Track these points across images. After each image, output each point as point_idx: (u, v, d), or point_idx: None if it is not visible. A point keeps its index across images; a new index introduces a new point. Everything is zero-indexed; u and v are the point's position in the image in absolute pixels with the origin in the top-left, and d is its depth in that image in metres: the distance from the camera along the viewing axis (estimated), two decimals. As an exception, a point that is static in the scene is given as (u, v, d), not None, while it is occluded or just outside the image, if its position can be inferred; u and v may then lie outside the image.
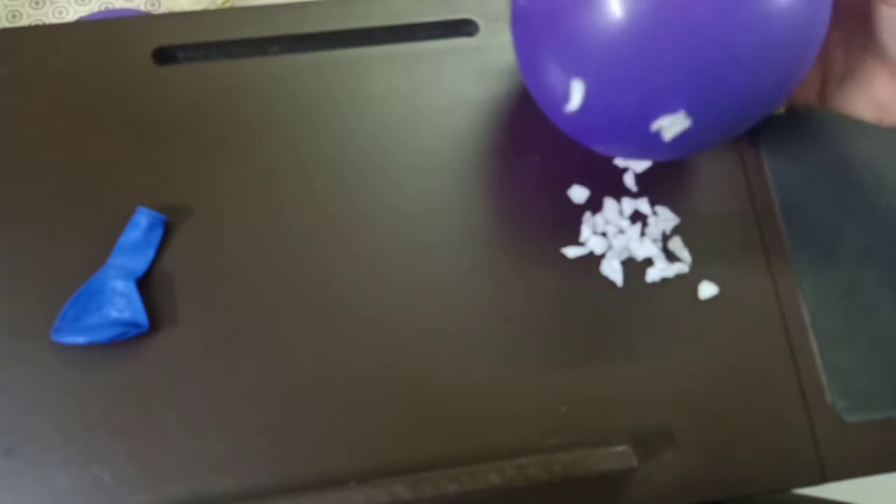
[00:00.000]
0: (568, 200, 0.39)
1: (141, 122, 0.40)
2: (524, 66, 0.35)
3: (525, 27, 0.33)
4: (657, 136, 0.31)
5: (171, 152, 0.39)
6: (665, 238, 0.39)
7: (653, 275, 0.38)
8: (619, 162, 0.40)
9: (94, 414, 0.34)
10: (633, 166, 0.40)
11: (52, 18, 1.25)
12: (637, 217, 0.39)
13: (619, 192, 0.40)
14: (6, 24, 1.24)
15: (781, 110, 0.41)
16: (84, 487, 0.33)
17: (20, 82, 0.40)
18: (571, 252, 0.38)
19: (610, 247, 0.38)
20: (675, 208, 0.40)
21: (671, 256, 0.39)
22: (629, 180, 0.40)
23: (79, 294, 0.35)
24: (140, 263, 0.36)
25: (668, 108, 0.30)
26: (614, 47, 0.29)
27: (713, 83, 0.29)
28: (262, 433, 0.34)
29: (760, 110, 0.32)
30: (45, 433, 0.34)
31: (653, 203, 0.40)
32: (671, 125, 0.30)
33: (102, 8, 1.27)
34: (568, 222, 0.39)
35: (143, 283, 0.36)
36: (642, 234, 0.39)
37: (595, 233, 0.39)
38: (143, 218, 0.36)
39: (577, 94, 0.31)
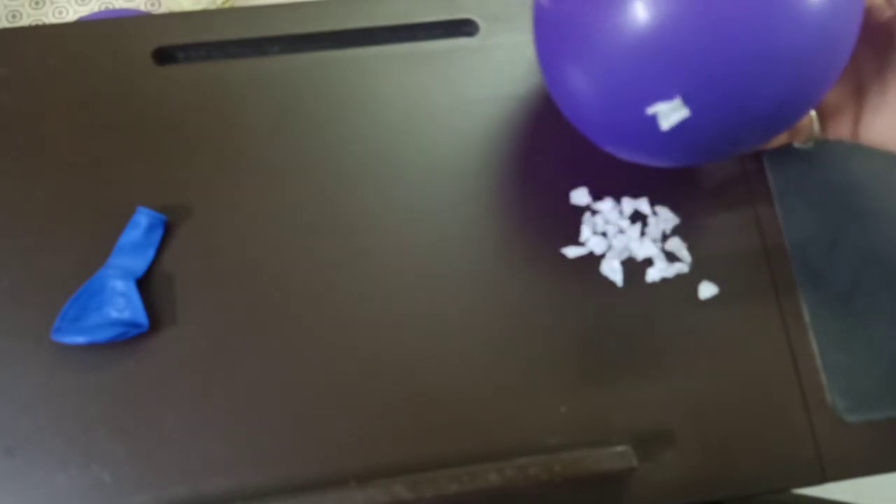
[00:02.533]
0: (568, 200, 0.39)
1: (141, 122, 0.40)
2: (546, 67, 0.35)
3: (547, 30, 0.33)
4: (672, 139, 0.31)
5: (171, 152, 0.39)
6: (665, 238, 0.39)
7: (653, 275, 0.38)
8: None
9: (94, 414, 0.34)
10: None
11: (52, 18, 1.25)
12: (637, 217, 0.39)
13: (620, 192, 0.40)
14: (6, 24, 1.24)
15: (811, 144, 0.40)
16: (84, 487, 0.33)
17: (20, 82, 0.40)
18: (571, 252, 0.38)
19: (610, 247, 0.38)
20: (675, 208, 0.40)
21: (671, 256, 0.39)
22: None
23: (79, 294, 0.35)
24: (140, 263, 0.36)
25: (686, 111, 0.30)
26: (637, 49, 0.29)
27: (730, 89, 0.29)
28: (262, 433, 0.34)
29: (774, 123, 0.31)
30: (45, 433, 0.34)
31: (653, 203, 0.40)
32: (668, 112, 0.30)
33: (102, 8, 1.27)
34: (568, 222, 0.39)
35: (143, 283, 0.36)
36: (642, 234, 0.39)
37: (595, 233, 0.39)
38: (143, 218, 0.36)
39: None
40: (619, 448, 0.34)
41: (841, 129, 0.36)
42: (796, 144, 0.39)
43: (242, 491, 0.33)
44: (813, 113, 0.37)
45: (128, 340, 0.35)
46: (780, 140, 0.38)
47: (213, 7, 1.21)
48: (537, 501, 0.35)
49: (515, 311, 0.37)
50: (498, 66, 0.42)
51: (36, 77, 0.40)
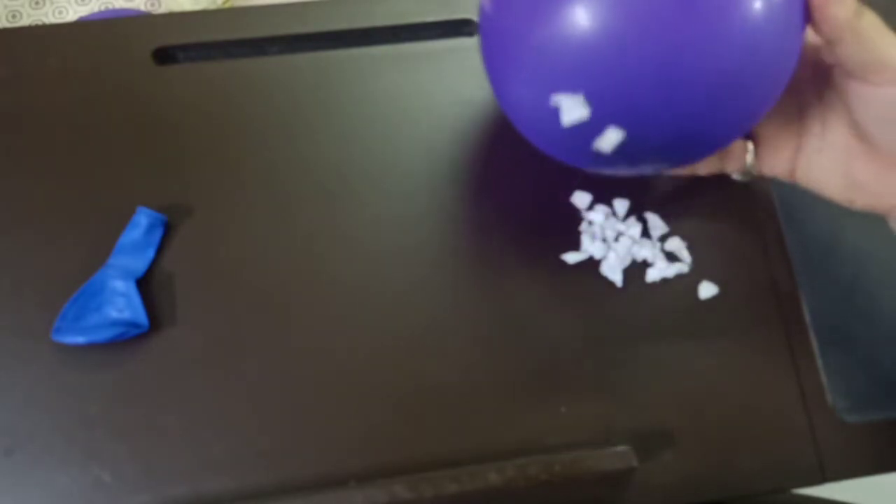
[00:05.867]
0: (568, 201, 0.39)
1: (141, 122, 0.40)
2: (494, 81, 0.34)
3: (493, 40, 0.32)
4: (617, 152, 0.31)
5: (171, 152, 0.39)
6: (664, 238, 0.39)
7: (653, 275, 0.38)
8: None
9: (94, 414, 0.34)
10: None
11: (52, 18, 1.25)
12: (637, 218, 0.39)
13: (620, 193, 0.40)
14: (6, 24, 1.24)
15: (747, 178, 0.38)
16: (84, 487, 0.33)
17: (20, 82, 0.40)
18: (571, 258, 0.38)
19: (610, 250, 0.38)
20: (674, 209, 0.40)
21: (671, 256, 0.39)
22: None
23: (79, 294, 0.35)
24: (140, 263, 0.36)
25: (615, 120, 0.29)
26: (579, 59, 0.28)
27: (645, 99, 0.28)
28: (261, 433, 0.34)
29: (712, 137, 0.31)
30: (45, 433, 0.34)
31: (651, 205, 0.40)
32: (570, 107, 0.29)
33: (102, 8, 1.27)
34: (569, 223, 0.39)
35: (143, 283, 0.36)
36: (642, 234, 0.39)
37: (595, 239, 0.39)
38: (143, 218, 0.36)
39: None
40: (619, 448, 0.34)
41: (777, 166, 0.35)
42: (733, 175, 0.38)
43: (242, 491, 0.33)
44: (749, 145, 0.36)
45: (128, 340, 0.35)
46: (710, 165, 0.37)
47: (213, 7, 1.21)
48: (537, 501, 0.35)
49: (515, 311, 0.37)
50: (498, 66, 0.42)
51: (36, 77, 0.40)
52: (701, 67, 0.27)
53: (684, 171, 0.38)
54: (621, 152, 0.31)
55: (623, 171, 0.35)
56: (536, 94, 0.30)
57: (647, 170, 0.34)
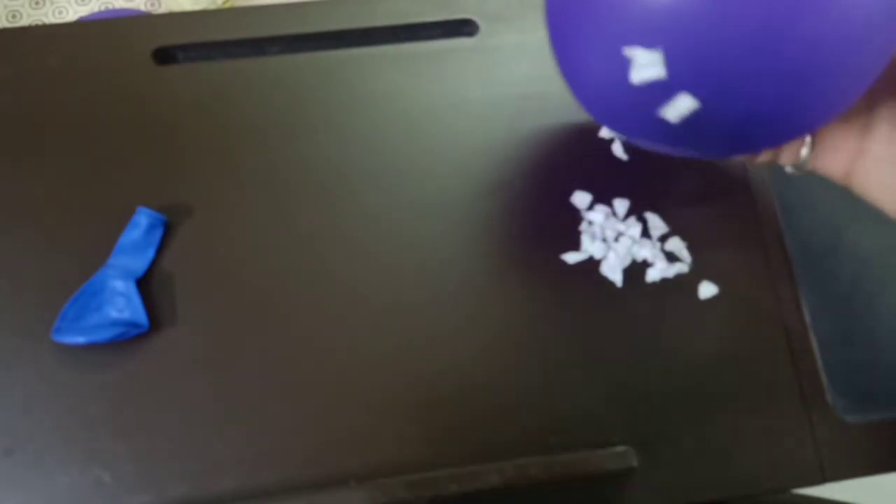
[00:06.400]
0: (568, 201, 0.39)
1: (141, 122, 0.40)
2: (557, 37, 0.31)
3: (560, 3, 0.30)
4: (684, 125, 0.28)
5: (171, 152, 0.39)
6: (664, 238, 0.39)
7: (653, 275, 0.38)
8: (605, 133, 0.40)
9: (95, 414, 0.34)
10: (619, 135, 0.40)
11: (52, 18, 1.25)
12: (637, 218, 0.39)
13: (621, 193, 0.40)
14: (6, 24, 1.24)
15: (800, 172, 0.35)
16: (84, 487, 0.33)
17: (20, 82, 0.40)
18: (571, 258, 0.38)
19: (610, 250, 0.38)
20: (675, 209, 0.40)
21: (671, 256, 0.39)
22: (617, 150, 0.40)
23: (79, 294, 0.35)
24: (140, 263, 0.36)
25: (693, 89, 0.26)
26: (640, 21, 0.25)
27: (741, 73, 0.25)
28: (261, 433, 0.34)
29: (794, 122, 0.28)
30: (45, 433, 0.34)
31: (651, 205, 0.40)
32: (644, 64, 0.26)
33: (102, 8, 1.27)
34: (569, 223, 0.39)
35: (143, 283, 0.36)
36: (642, 234, 0.39)
37: (595, 239, 0.39)
38: (143, 218, 0.36)
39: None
40: (619, 448, 0.34)
41: (833, 166, 0.32)
42: (786, 168, 0.35)
43: (242, 491, 0.33)
44: (808, 137, 0.34)
45: (128, 340, 0.35)
46: (764, 154, 0.35)
47: (213, 7, 1.21)
48: (537, 501, 0.35)
49: (515, 311, 0.37)
50: (498, 66, 0.42)
51: (36, 77, 0.40)
52: (806, 35, 0.24)
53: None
54: (687, 126, 0.27)
55: (676, 150, 0.32)
56: (605, 50, 0.27)
57: (702, 152, 0.31)
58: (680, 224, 0.39)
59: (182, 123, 0.40)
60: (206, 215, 0.38)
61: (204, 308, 0.36)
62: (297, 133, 0.40)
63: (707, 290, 0.38)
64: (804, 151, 0.33)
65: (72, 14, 1.25)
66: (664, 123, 0.27)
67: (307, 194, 0.39)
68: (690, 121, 0.27)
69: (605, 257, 0.38)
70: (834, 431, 0.36)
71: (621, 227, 0.39)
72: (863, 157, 0.31)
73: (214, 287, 0.37)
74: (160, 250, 0.37)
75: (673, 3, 0.24)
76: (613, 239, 0.38)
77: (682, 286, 0.38)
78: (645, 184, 0.40)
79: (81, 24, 0.43)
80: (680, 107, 0.26)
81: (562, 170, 0.40)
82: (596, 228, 0.39)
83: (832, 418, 0.36)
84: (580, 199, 0.39)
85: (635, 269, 0.38)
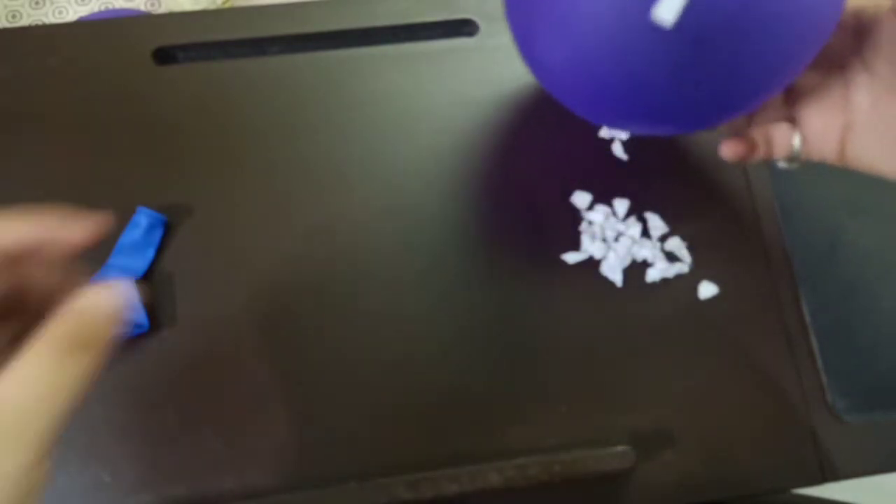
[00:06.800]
0: (568, 201, 0.39)
1: (141, 122, 0.40)
2: (521, 30, 0.32)
3: None
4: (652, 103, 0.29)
5: (171, 152, 0.39)
6: (664, 238, 0.39)
7: (653, 275, 0.38)
8: (605, 133, 0.41)
9: (95, 414, 0.34)
10: (619, 135, 0.40)
11: (52, 18, 1.25)
12: (637, 218, 0.39)
13: (621, 193, 0.40)
14: (6, 24, 1.24)
15: (794, 165, 0.35)
16: (84, 487, 0.33)
17: (20, 82, 0.40)
18: (571, 258, 0.38)
19: (610, 250, 0.38)
20: (674, 209, 0.40)
21: (671, 256, 0.39)
22: (617, 150, 0.40)
23: (79, 294, 0.35)
24: (140, 263, 0.36)
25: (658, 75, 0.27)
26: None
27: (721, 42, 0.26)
28: (262, 433, 0.34)
29: (760, 80, 0.28)
30: (45, 433, 0.34)
31: (651, 205, 0.40)
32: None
33: (102, 8, 1.27)
34: (569, 223, 0.39)
35: (143, 284, 0.36)
36: (642, 234, 0.39)
37: (595, 239, 0.39)
38: (143, 218, 0.36)
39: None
40: (619, 448, 0.34)
41: (826, 149, 0.32)
42: (780, 164, 0.35)
43: (242, 491, 0.33)
44: (797, 133, 0.34)
45: (128, 340, 0.35)
46: (759, 152, 0.34)
47: (213, 7, 1.21)
48: (537, 501, 0.35)
49: (515, 311, 0.37)
50: (498, 66, 0.42)
51: (36, 77, 0.40)
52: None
53: (735, 154, 0.34)
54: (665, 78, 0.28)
55: (646, 127, 0.32)
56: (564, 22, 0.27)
57: (675, 125, 0.31)
58: (680, 224, 0.39)
59: (182, 123, 0.40)
60: (206, 215, 0.38)
61: (204, 308, 0.36)
62: (297, 133, 0.40)
63: (707, 290, 0.38)
64: (795, 143, 0.33)
65: (72, 14, 1.25)
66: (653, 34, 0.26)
67: (307, 194, 0.39)
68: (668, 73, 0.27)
69: (605, 257, 0.38)
70: (834, 431, 0.36)
71: (621, 227, 0.39)
72: (851, 132, 0.31)
73: (215, 287, 0.37)
74: (160, 250, 0.37)
75: None
76: (613, 239, 0.38)
77: (682, 286, 0.38)
78: (645, 184, 0.40)
79: (81, 24, 0.43)
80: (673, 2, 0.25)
81: (562, 170, 0.40)
82: (596, 228, 0.39)
83: (832, 418, 0.36)
84: (580, 199, 0.39)
85: (635, 269, 0.38)
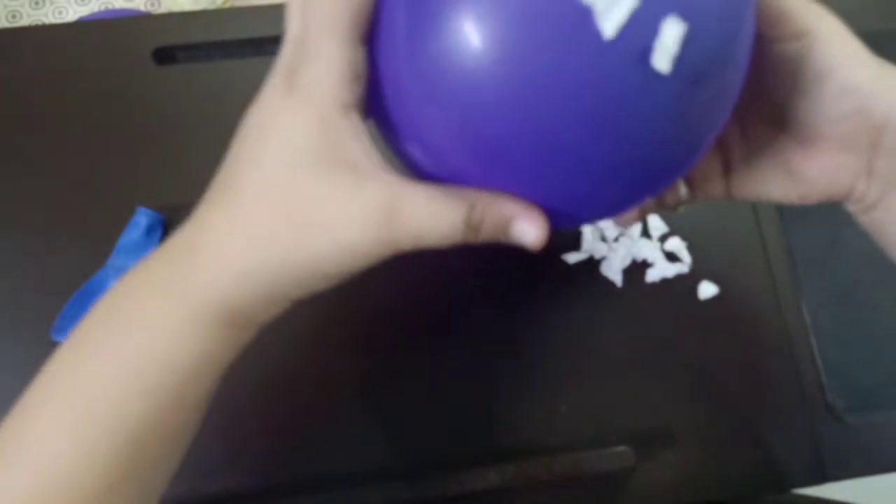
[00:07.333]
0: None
1: (141, 122, 0.40)
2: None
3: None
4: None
5: (171, 152, 0.39)
6: (664, 238, 0.39)
7: (653, 275, 0.38)
8: None
9: (94, 414, 0.34)
10: None
11: (52, 18, 1.25)
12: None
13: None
14: (6, 24, 1.24)
15: (681, 210, 0.32)
16: (84, 487, 0.33)
17: (20, 82, 0.40)
18: (571, 258, 0.38)
19: (610, 250, 0.38)
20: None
21: (671, 256, 0.39)
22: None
23: (79, 294, 0.35)
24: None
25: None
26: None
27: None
28: (262, 433, 0.34)
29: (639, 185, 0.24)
30: (45, 433, 0.34)
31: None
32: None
33: (102, 8, 1.27)
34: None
35: (143, 283, 0.36)
36: (642, 234, 0.39)
37: (595, 239, 0.39)
38: (142, 218, 0.36)
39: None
40: (619, 448, 0.34)
41: (711, 190, 0.31)
42: (673, 210, 0.33)
43: (242, 491, 0.33)
44: (681, 182, 0.31)
45: (128, 340, 0.35)
46: (648, 207, 0.32)
47: (213, 7, 1.21)
48: (537, 501, 0.35)
49: (515, 311, 0.37)
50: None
51: (36, 77, 0.40)
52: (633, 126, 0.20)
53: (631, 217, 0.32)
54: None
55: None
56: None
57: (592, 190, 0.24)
58: (680, 224, 0.39)
59: (182, 123, 0.40)
60: (206, 215, 0.38)
61: (204, 308, 0.36)
62: (297, 133, 0.40)
63: (707, 290, 0.38)
64: (682, 191, 0.32)
65: (72, 14, 1.25)
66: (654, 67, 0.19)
67: (307, 194, 0.39)
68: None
69: (605, 257, 0.38)
70: (834, 431, 0.36)
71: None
72: (731, 169, 0.30)
73: (214, 287, 0.37)
74: (160, 250, 0.37)
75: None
76: (613, 239, 0.38)
77: (682, 286, 0.38)
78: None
79: (81, 24, 0.43)
80: (670, 37, 0.19)
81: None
82: (596, 228, 0.39)
83: (832, 418, 0.36)
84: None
85: (635, 269, 0.38)
